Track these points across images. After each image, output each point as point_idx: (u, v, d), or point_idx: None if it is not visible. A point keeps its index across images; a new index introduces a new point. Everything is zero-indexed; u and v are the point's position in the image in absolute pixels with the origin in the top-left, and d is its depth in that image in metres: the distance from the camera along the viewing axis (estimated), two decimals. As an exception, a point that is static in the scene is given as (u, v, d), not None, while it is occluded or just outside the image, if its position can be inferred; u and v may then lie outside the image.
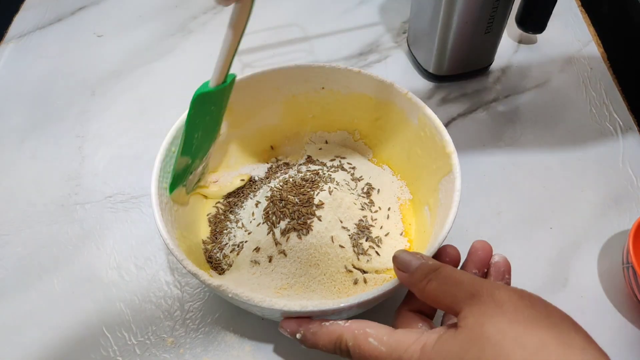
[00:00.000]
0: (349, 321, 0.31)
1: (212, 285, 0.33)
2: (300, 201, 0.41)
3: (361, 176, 0.47)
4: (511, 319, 0.25)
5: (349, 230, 0.41)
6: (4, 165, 0.53)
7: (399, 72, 0.61)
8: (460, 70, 0.58)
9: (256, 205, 0.43)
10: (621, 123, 0.55)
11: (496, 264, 0.35)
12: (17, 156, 0.54)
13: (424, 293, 0.30)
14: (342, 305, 0.32)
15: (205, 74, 0.62)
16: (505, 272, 0.35)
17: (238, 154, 0.49)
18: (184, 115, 0.42)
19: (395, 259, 0.32)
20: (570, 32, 0.64)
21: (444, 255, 0.35)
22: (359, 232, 0.42)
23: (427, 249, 0.36)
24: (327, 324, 0.32)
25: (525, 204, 0.49)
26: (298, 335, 0.32)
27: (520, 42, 0.63)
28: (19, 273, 0.45)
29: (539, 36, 0.63)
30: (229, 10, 0.33)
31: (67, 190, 0.51)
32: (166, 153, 0.40)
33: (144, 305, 0.43)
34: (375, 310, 0.37)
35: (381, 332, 0.30)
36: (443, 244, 0.35)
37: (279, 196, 0.42)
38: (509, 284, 0.35)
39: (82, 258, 0.46)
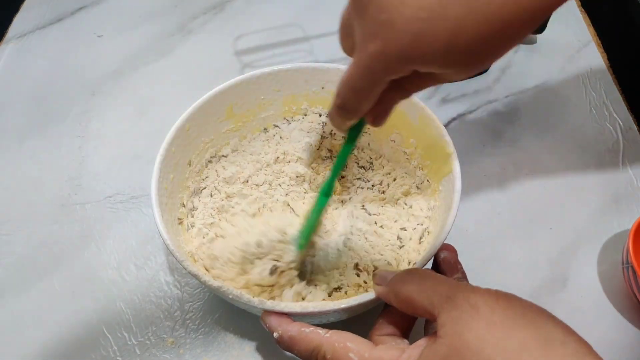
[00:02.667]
0: (330, 332, 0.30)
1: (212, 286, 0.33)
2: None
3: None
4: (489, 322, 0.24)
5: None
6: (4, 165, 0.53)
7: (399, 72, 0.60)
8: (460, 70, 0.58)
9: None
10: (621, 123, 0.55)
11: (445, 260, 0.35)
12: (17, 156, 0.54)
13: (399, 297, 0.29)
14: (342, 306, 0.32)
15: (205, 74, 0.62)
16: (456, 262, 0.35)
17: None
18: (184, 115, 0.42)
19: (374, 275, 0.32)
20: (570, 32, 0.64)
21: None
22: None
23: (428, 249, 0.36)
24: (307, 330, 0.31)
25: (525, 204, 0.49)
26: (275, 335, 0.32)
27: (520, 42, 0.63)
28: (19, 273, 0.45)
29: (539, 36, 0.63)
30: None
31: (67, 190, 0.51)
32: (166, 153, 0.40)
33: (144, 305, 0.43)
34: (356, 321, 0.37)
35: (362, 347, 0.29)
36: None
37: None
38: (463, 272, 0.35)
39: (82, 258, 0.46)
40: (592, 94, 0.58)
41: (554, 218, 0.48)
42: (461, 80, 0.26)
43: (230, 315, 0.42)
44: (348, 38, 0.29)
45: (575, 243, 0.46)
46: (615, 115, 0.56)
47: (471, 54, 0.24)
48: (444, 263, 0.35)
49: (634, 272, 0.39)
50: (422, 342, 0.28)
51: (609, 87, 0.58)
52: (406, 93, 0.30)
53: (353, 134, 0.34)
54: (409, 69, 0.25)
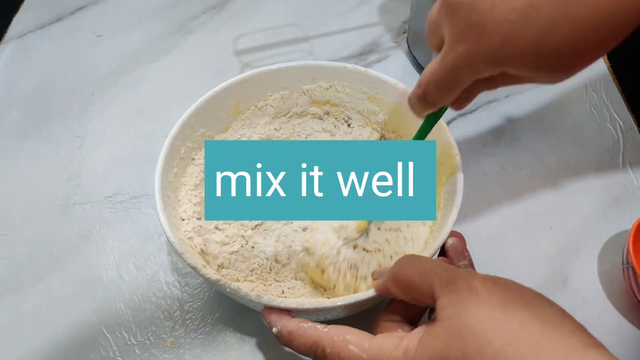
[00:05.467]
0: (328, 327, 0.30)
1: (210, 278, 0.33)
2: None
3: None
4: (489, 305, 0.25)
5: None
6: (4, 165, 0.53)
7: (399, 72, 0.60)
8: (460, 70, 0.58)
9: None
10: (621, 123, 0.55)
11: (452, 247, 0.36)
12: (17, 156, 0.54)
13: (398, 282, 0.29)
14: (338, 304, 0.32)
15: (204, 74, 0.62)
16: (463, 250, 0.35)
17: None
18: (190, 110, 0.42)
19: (373, 273, 0.33)
20: (570, 32, 0.64)
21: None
22: None
23: (428, 250, 0.36)
24: (306, 326, 0.31)
25: (525, 204, 0.49)
26: (274, 330, 0.32)
27: (520, 42, 0.63)
28: (19, 273, 0.45)
29: (539, 36, 0.63)
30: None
31: (67, 190, 0.51)
32: (171, 147, 0.40)
33: (143, 305, 0.43)
34: (357, 318, 0.37)
35: (361, 338, 0.29)
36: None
37: None
38: (470, 259, 0.35)
39: (82, 258, 0.46)
40: (592, 94, 0.58)
41: (554, 218, 0.48)
42: (552, 84, 0.26)
43: (230, 316, 0.42)
44: (435, 35, 0.28)
45: (575, 243, 0.46)
46: (615, 115, 0.56)
47: (562, 56, 0.23)
48: (451, 249, 0.36)
49: (634, 272, 0.39)
50: (420, 329, 0.28)
51: (609, 87, 0.58)
52: (493, 85, 0.30)
53: (431, 118, 0.34)
54: (497, 70, 0.25)
